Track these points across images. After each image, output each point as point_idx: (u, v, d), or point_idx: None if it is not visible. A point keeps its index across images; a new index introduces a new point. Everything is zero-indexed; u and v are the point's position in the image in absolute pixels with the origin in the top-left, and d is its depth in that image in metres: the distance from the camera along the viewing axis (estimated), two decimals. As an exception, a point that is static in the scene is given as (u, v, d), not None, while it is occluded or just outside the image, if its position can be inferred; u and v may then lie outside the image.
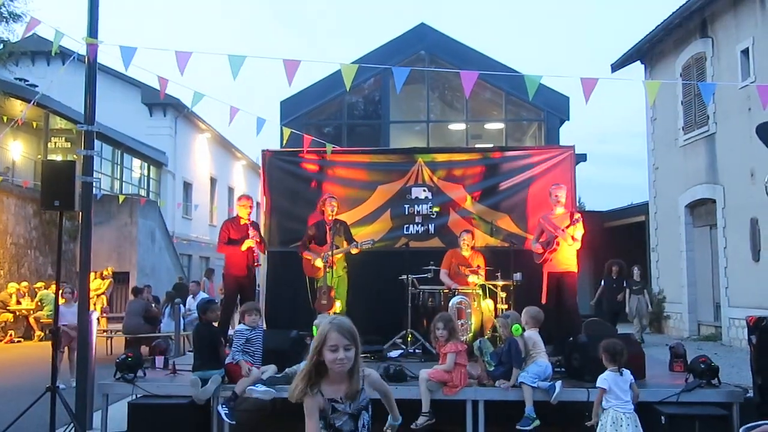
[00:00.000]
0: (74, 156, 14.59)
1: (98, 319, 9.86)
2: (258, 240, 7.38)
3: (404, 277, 7.16)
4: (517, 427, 5.17)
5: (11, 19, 15.11)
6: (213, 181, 29.06)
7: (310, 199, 8.28)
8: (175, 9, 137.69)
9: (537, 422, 5.17)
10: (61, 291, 7.63)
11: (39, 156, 18.97)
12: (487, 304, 7.23)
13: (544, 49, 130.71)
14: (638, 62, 17.16)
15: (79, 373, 5.86)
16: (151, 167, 24.09)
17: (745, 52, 12.62)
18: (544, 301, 6.96)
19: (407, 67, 7.43)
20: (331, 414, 2.57)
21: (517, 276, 7.19)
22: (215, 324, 5.96)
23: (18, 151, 19.07)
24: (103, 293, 14.68)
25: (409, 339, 7.04)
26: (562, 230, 6.94)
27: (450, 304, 6.91)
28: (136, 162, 23.58)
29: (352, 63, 6.87)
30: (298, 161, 8.68)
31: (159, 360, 6.44)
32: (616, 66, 17.37)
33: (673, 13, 14.40)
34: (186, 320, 11.25)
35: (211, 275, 16.28)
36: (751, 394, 5.16)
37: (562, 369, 5.98)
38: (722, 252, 13.40)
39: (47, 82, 17.65)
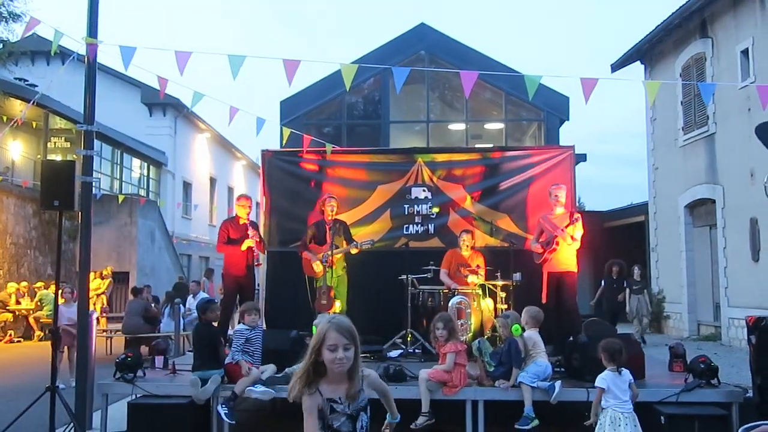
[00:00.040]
0: (74, 156, 14.58)
1: (98, 318, 9.85)
2: (258, 240, 7.38)
3: (404, 277, 7.16)
4: (516, 426, 5.18)
5: (11, 18, 15.10)
6: (213, 181, 29.05)
7: (310, 199, 8.29)
8: (175, 9, 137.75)
9: (536, 422, 5.17)
10: (60, 291, 7.63)
11: (39, 156, 18.96)
12: (487, 304, 7.23)
13: (544, 49, 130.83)
14: (638, 62, 17.17)
15: (79, 373, 5.86)
16: (151, 167, 24.09)
17: (745, 53, 12.63)
18: (544, 300, 6.96)
19: (407, 67, 7.44)
20: (330, 414, 2.53)
21: (517, 276, 7.19)
22: (215, 324, 5.96)
23: (18, 150, 19.06)
24: (102, 293, 14.68)
25: (408, 339, 7.04)
26: (562, 230, 6.94)
27: (450, 304, 6.92)
28: (136, 162, 23.57)
29: (352, 63, 6.87)
30: (297, 161, 8.68)
31: (159, 360, 6.44)
32: (616, 66, 17.37)
33: (673, 13, 14.40)
34: (186, 320, 11.25)
35: (210, 275, 16.28)
36: (750, 394, 5.16)
37: (562, 369, 5.98)
38: (722, 252, 13.40)
39: (47, 82, 17.65)
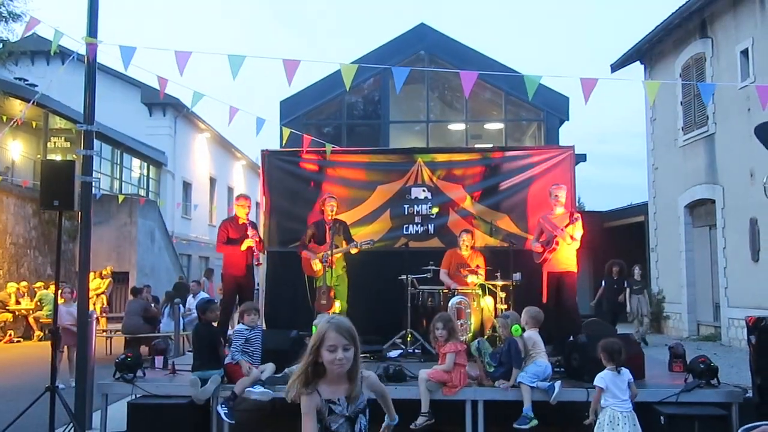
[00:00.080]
0: (74, 156, 14.58)
1: (97, 318, 9.85)
2: (257, 240, 7.38)
3: (404, 277, 7.16)
4: (514, 425, 5.18)
5: (11, 18, 15.10)
6: (212, 181, 29.05)
7: (310, 199, 8.29)
8: (175, 9, 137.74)
9: (534, 422, 5.17)
10: (60, 291, 7.63)
11: (38, 156, 18.95)
12: (487, 304, 7.23)
13: (544, 49, 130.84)
14: (638, 62, 17.18)
15: (79, 373, 5.85)
16: (151, 167, 24.08)
17: (745, 53, 12.63)
18: (545, 300, 6.96)
19: (407, 67, 7.44)
20: (328, 416, 2.48)
21: (517, 276, 7.19)
22: (215, 324, 5.96)
23: (17, 150, 19.06)
24: (102, 293, 14.67)
25: (408, 339, 7.04)
26: (561, 229, 6.94)
27: (449, 304, 6.92)
28: (136, 162, 23.57)
29: (352, 63, 6.87)
30: (297, 161, 8.68)
31: (158, 360, 6.44)
32: (616, 66, 17.38)
33: (673, 13, 14.41)
34: (186, 320, 11.25)
35: (210, 275, 16.27)
36: (750, 394, 5.16)
37: (562, 369, 5.98)
38: (721, 252, 13.41)
39: (47, 82, 17.65)
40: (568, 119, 19.10)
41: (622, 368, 4.73)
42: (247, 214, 7.46)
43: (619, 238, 17.83)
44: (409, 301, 7.09)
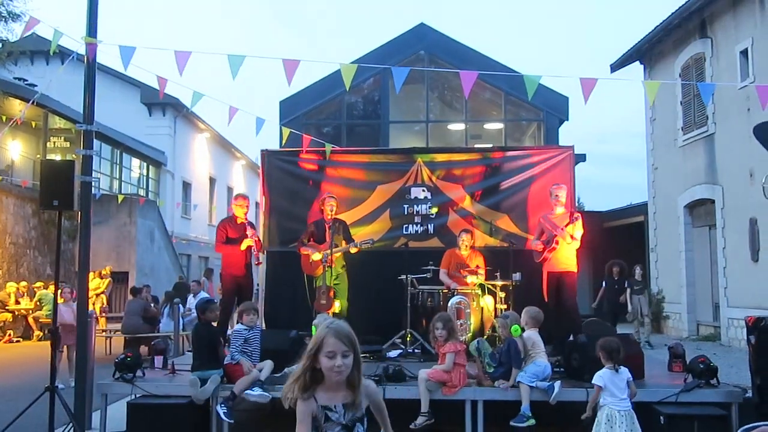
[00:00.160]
0: (73, 155, 14.57)
1: (97, 318, 9.84)
2: (256, 239, 7.37)
3: (403, 277, 7.16)
4: (511, 423, 5.18)
5: (10, 18, 15.10)
6: (212, 180, 29.04)
7: (310, 198, 8.30)
8: (175, 9, 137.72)
9: (532, 421, 5.17)
10: (60, 291, 7.62)
11: (38, 155, 18.94)
12: (486, 304, 7.23)
13: (544, 49, 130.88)
14: (637, 62, 17.18)
15: (78, 373, 5.86)
16: (150, 167, 24.08)
17: (744, 53, 12.64)
18: (546, 300, 6.96)
19: (407, 67, 7.43)
20: (324, 423, 2.40)
21: (516, 276, 7.19)
22: (214, 324, 5.95)
23: (17, 150, 19.05)
24: (102, 293, 14.67)
25: (408, 339, 7.04)
26: (561, 229, 6.93)
27: (449, 304, 6.92)
28: (135, 162, 23.56)
29: (352, 63, 6.87)
30: (297, 161, 8.68)
31: (158, 360, 6.43)
32: (616, 66, 17.38)
33: (673, 13, 14.41)
34: (186, 320, 11.26)
35: (210, 275, 16.27)
36: (749, 394, 5.16)
37: (561, 369, 5.98)
38: (721, 252, 13.41)
39: (46, 82, 17.66)
40: (567, 119, 19.12)
41: (621, 367, 4.75)
42: (246, 214, 7.46)
43: (619, 238, 17.83)
44: (408, 301, 7.09)
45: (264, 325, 7.93)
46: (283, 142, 13.92)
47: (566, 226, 6.94)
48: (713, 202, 13.71)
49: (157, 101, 22.62)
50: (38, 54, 21.49)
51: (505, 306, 7.07)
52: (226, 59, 6.01)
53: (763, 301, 11.54)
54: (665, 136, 15.93)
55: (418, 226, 8.40)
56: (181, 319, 10.92)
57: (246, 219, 7.42)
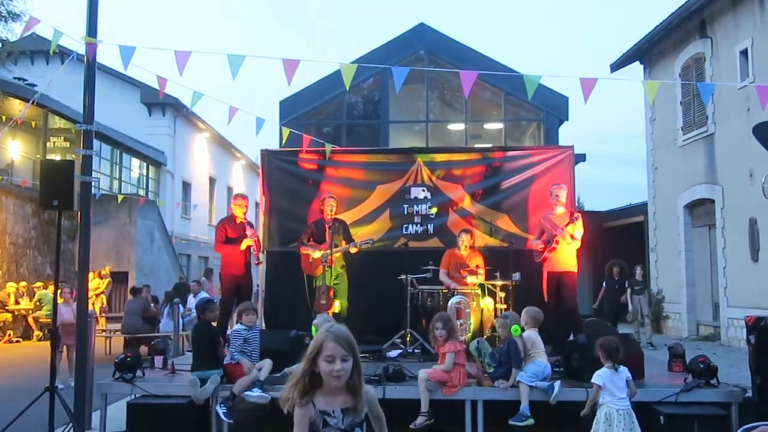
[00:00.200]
0: (73, 155, 14.57)
1: (97, 318, 9.85)
2: (256, 239, 7.37)
3: (403, 277, 7.16)
4: (510, 422, 5.19)
5: (10, 18, 15.11)
6: (212, 180, 29.04)
7: (309, 198, 8.30)
8: (175, 9, 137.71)
9: (531, 421, 5.17)
10: (59, 291, 7.62)
11: (38, 155, 18.94)
12: (486, 304, 7.23)
13: (544, 49, 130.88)
14: (637, 62, 17.18)
15: (78, 373, 5.86)
16: (150, 167, 24.07)
17: (744, 53, 12.64)
18: (546, 300, 6.96)
19: (406, 66, 7.43)
20: (322, 428, 2.37)
21: (516, 276, 7.19)
22: (214, 324, 5.95)
23: (17, 150, 19.05)
24: (102, 293, 14.67)
25: (408, 339, 7.04)
26: (561, 229, 6.93)
27: (449, 304, 6.92)
28: (135, 162, 23.56)
29: (352, 63, 6.87)
30: (297, 161, 8.67)
31: (158, 360, 6.44)
32: (616, 66, 17.38)
33: (673, 13, 14.41)
34: (186, 319, 11.26)
35: (210, 275, 16.27)
36: (749, 394, 5.16)
37: (561, 369, 5.98)
38: (721, 252, 13.41)
39: (46, 82, 17.65)
40: (567, 119, 19.12)
41: (620, 366, 4.75)
42: (245, 214, 7.45)
43: (619, 238, 17.83)
44: (408, 300, 7.08)
45: (264, 324, 7.93)
46: (283, 142, 13.91)
47: (566, 225, 6.94)
48: (713, 202, 13.71)
49: (157, 101, 22.62)
50: (38, 54, 21.50)
51: (504, 306, 7.07)
52: (226, 59, 6.01)
53: (763, 301, 11.55)
54: (665, 136, 15.93)
55: (418, 226, 8.40)
56: (181, 319, 10.93)
57: (245, 219, 7.42)
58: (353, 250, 7.34)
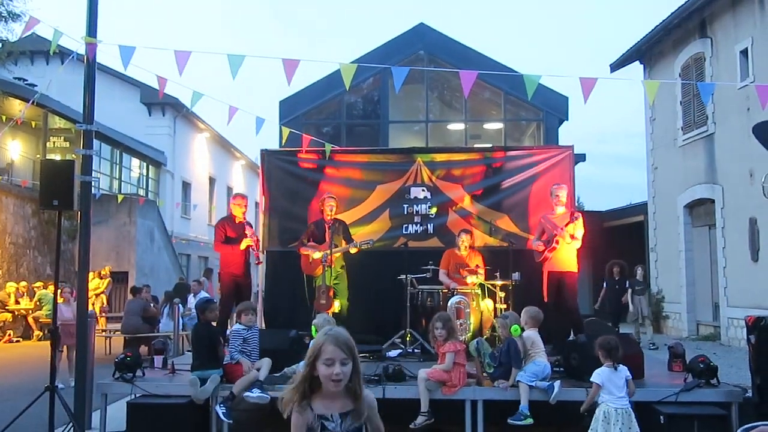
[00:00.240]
0: (73, 155, 14.57)
1: (97, 318, 9.85)
2: (256, 239, 7.37)
3: (403, 276, 7.16)
4: (509, 420, 5.19)
5: (10, 18, 15.11)
6: (212, 180, 29.04)
7: (309, 198, 8.31)
8: (175, 9, 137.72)
9: (530, 420, 5.17)
10: (60, 290, 7.63)
11: (38, 155, 18.95)
12: (486, 303, 7.23)
13: (544, 49, 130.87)
14: (637, 62, 17.18)
15: (78, 373, 5.86)
16: (150, 167, 24.08)
17: (744, 53, 12.64)
18: (546, 299, 6.96)
19: (406, 66, 7.43)
20: None
21: (516, 276, 7.19)
22: (214, 323, 5.95)
23: (17, 150, 19.05)
24: (102, 293, 14.68)
25: (407, 339, 7.03)
26: (561, 228, 6.93)
27: (449, 304, 6.92)
28: (135, 161, 23.56)
29: (352, 63, 6.87)
30: (297, 161, 8.68)
31: (158, 360, 6.43)
32: (615, 66, 17.38)
33: (672, 13, 14.41)
34: (186, 319, 11.26)
35: (209, 275, 16.26)
36: (749, 393, 5.16)
37: (561, 369, 5.98)
38: (721, 252, 13.41)
39: (46, 82, 17.66)
40: (567, 119, 19.12)
41: (620, 365, 4.76)
42: (244, 214, 7.45)
43: (619, 238, 17.83)
44: (408, 300, 7.08)
45: (264, 324, 7.94)
46: (283, 141, 13.91)
47: (566, 225, 6.93)
48: (713, 201, 13.71)
49: (157, 101, 22.63)
50: (38, 54, 21.50)
51: (504, 306, 7.07)
52: (226, 59, 6.01)
53: (763, 300, 11.55)
54: (665, 135, 15.93)
55: (418, 225, 8.40)
56: (181, 318, 10.92)
57: (245, 219, 7.42)
58: (353, 250, 7.34)
